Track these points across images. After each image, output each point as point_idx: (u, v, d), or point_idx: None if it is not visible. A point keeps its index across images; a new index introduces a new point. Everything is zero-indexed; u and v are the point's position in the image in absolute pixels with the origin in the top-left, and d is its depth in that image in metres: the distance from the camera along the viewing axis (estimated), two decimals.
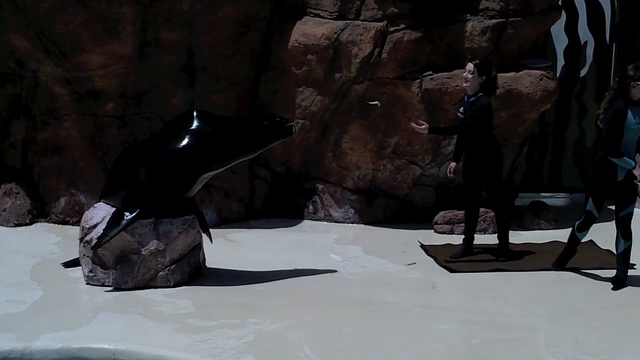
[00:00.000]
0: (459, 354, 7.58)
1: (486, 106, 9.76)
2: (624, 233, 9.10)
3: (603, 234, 10.18)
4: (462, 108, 9.83)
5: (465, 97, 9.89)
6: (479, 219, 10.72)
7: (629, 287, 9.08)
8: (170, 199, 8.97)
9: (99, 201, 9.42)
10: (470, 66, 9.78)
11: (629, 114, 8.81)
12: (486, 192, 10.18)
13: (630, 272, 9.46)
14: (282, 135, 9.17)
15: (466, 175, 10.02)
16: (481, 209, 10.65)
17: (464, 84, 9.87)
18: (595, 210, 9.23)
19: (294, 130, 9.16)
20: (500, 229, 10.13)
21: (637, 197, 9.16)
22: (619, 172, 8.92)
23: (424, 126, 9.56)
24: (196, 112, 9.20)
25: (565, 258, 9.63)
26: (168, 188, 8.93)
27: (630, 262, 9.67)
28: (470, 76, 9.75)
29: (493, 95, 9.96)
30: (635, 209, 9.15)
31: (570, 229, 9.52)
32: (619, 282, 9.09)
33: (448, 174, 10.16)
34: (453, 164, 10.12)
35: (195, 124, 9.03)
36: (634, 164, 8.85)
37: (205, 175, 9.11)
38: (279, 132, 9.13)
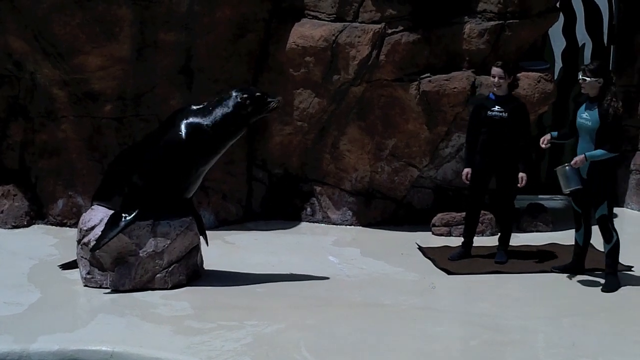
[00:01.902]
0: (457, 356, 7.58)
1: (525, 105, 10.05)
2: (604, 235, 9.13)
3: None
4: (496, 107, 9.80)
5: (491, 95, 9.89)
6: None
7: (627, 289, 9.08)
8: (168, 197, 8.96)
9: (92, 203, 9.41)
10: (499, 72, 9.78)
11: (581, 107, 9.10)
12: (500, 194, 10.09)
13: (629, 274, 9.49)
14: (259, 112, 9.07)
15: (477, 178, 9.96)
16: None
17: (495, 89, 9.85)
18: (574, 205, 9.39)
19: (273, 107, 9.10)
20: (505, 231, 10.12)
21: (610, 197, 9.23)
22: (581, 169, 9.03)
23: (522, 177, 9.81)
24: (184, 109, 9.21)
25: (570, 268, 9.62)
26: (166, 184, 8.92)
27: (629, 264, 9.71)
28: (502, 81, 9.78)
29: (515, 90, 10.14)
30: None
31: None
32: (607, 285, 9.09)
33: (465, 180, 10.06)
34: (468, 170, 10.00)
35: (184, 119, 9.00)
36: (555, 134, 9.42)
37: (203, 168, 9.07)
38: (260, 109, 9.05)
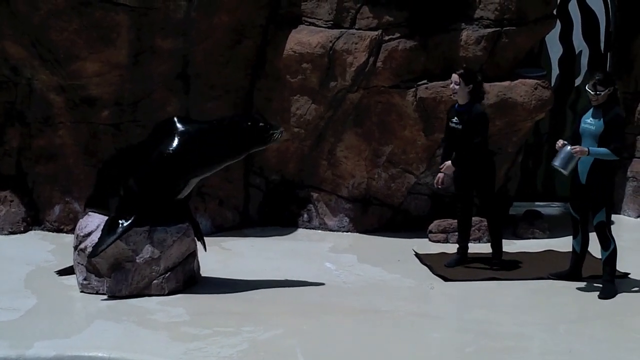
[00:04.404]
0: None
1: (483, 114, 9.87)
2: (601, 242, 9.13)
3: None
4: (455, 118, 9.85)
5: (456, 105, 9.91)
6: (473, 228, 10.73)
7: (622, 296, 9.08)
8: (160, 203, 8.95)
9: (85, 209, 9.40)
10: (455, 77, 9.81)
11: (587, 113, 9.08)
12: (479, 201, 10.20)
13: (625, 281, 9.49)
14: (262, 142, 9.05)
15: (458, 184, 10.02)
16: (475, 218, 10.66)
17: (453, 96, 9.91)
18: (572, 211, 9.41)
19: (275, 139, 9.07)
20: (494, 238, 10.14)
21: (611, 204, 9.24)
22: (580, 175, 9.02)
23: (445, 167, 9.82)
24: (177, 118, 9.20)
25: (566, 275, 9.62)
26: (157, 193, 8.92)
27: (625, 271, 9.71)
28: (457, 87, 9.79)
29: (482, 101, 10.03)
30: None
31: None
32: (604, 292, 9.09)
33: (436, 184, 10.13)
34: (441, 175, 10.05)
35: (178, 128, 8.99)
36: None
37: (193, 179, 9.06)
38: (259, 139, 9.00)
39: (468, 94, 9.81)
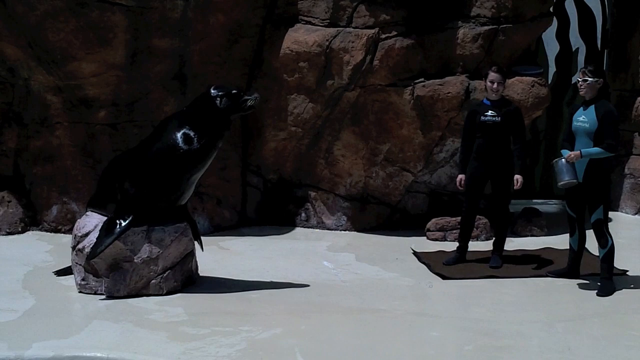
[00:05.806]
0: None
1: (520, 110, 10.08)
2: (598, 240, 9.12)
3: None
4: (490, 112, 9.82)
5: (486, 101, 9.89)
6: None
7: (622, 293, 9.08)
8: (162, 204, 8.95)
9: (86, 209, 9.39)
10: (499, 77, 9.76)
11: (578, 111, 9.07)
12: (496, 199, 10.07)
13: (623, 278, 9.49)
14: (238, 109, 8.95)
15: (473, 183, 9.97)
16: None
17: (494, 95, 9.86)
18: (568, 209, 9.40)
19: (250, 105, 8.96)
20: (500, 236, 10.12)
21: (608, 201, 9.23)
22: (577, 172, 9.00)
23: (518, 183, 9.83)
24: (172, 117, 9.19)
25: (565, 273, 9.62)
26: (159, 193, 8.90)
27: (623, 268, 9.71)
28: (501, 87, 9.81)
29: None
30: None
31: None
32: (602, 289, 9.08)
33: (459, 187, 10.07)
34: (462, 176, 10.00)
35: (176, 126, 8.96)
36: (567, 152, 9.00)
37: (195, 176, 9.03)
38: (235, 107, 8.92)
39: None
